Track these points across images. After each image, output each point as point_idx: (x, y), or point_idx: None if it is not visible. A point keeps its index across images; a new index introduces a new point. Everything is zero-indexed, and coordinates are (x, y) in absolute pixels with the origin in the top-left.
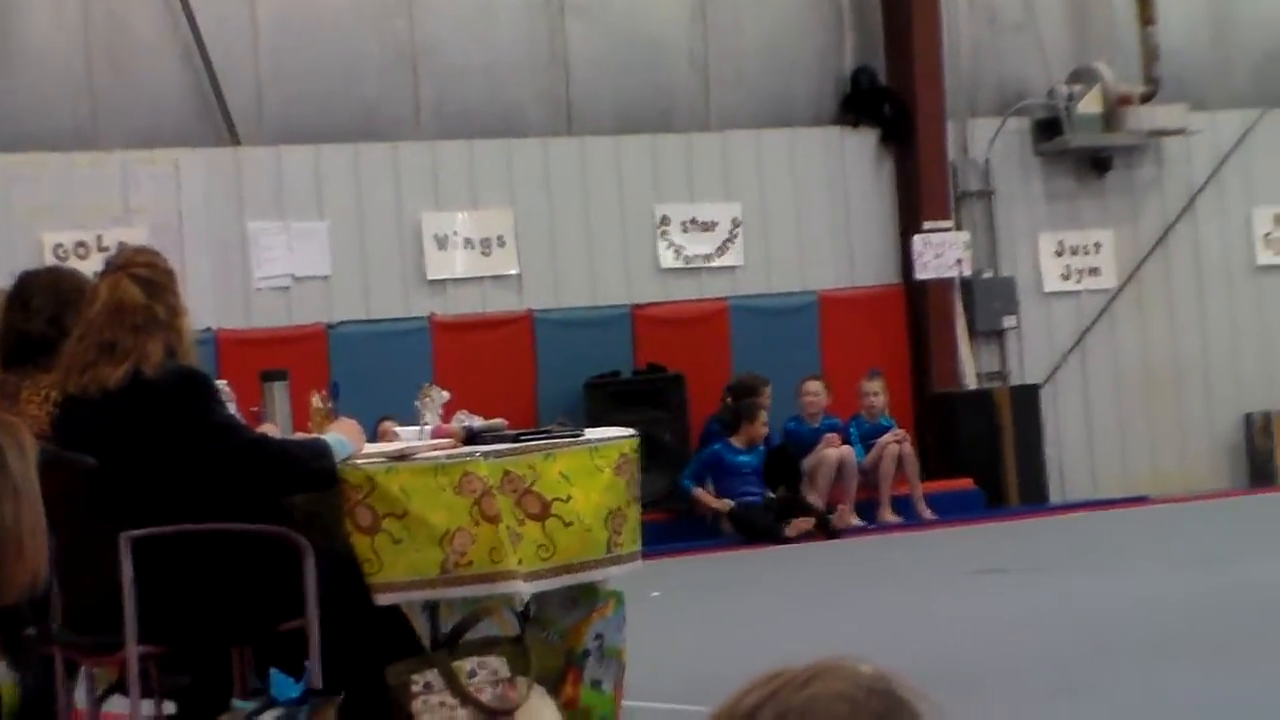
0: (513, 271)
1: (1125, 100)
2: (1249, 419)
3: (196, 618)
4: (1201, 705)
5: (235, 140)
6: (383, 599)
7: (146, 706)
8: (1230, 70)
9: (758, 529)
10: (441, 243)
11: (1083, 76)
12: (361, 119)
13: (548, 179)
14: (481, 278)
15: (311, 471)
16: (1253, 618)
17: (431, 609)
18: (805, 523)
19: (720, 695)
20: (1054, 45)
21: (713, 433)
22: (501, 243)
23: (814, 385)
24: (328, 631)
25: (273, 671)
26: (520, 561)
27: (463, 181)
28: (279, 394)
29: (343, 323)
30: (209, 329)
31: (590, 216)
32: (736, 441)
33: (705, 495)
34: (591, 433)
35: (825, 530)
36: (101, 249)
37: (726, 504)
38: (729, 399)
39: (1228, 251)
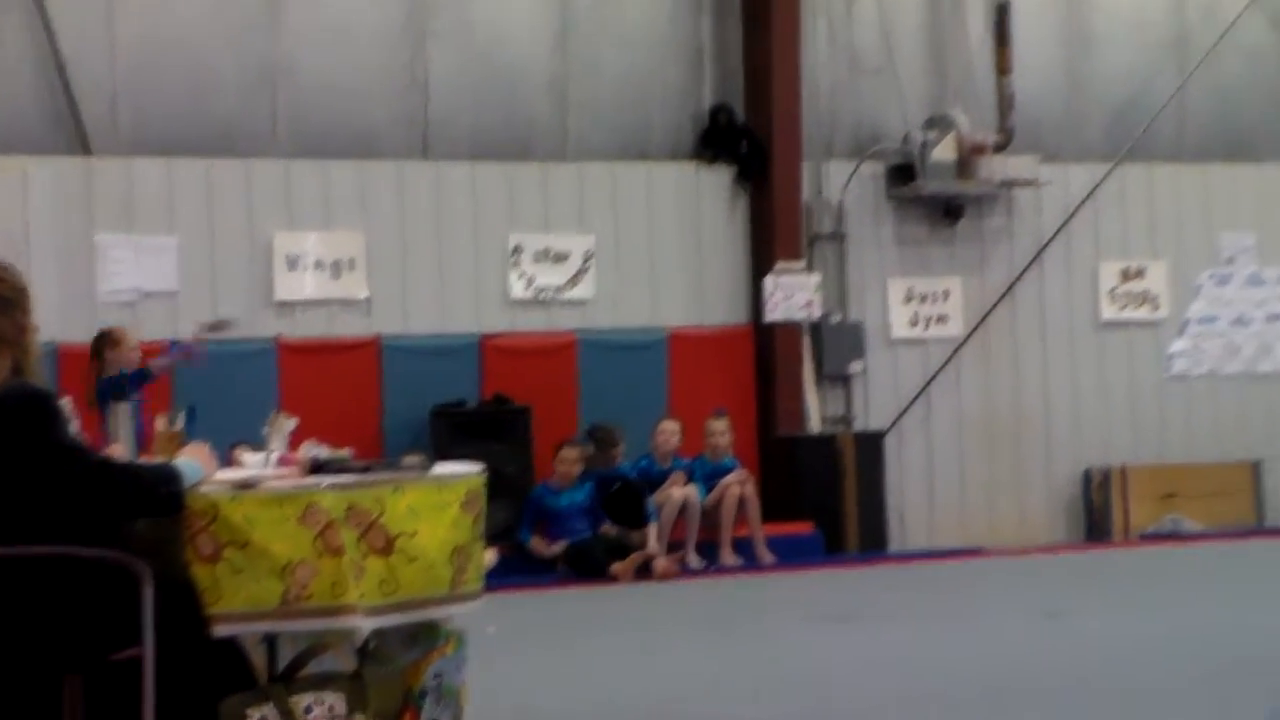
0: (362, 296)
1: (979, 149)
2: (1087, 474)
3: (29, 643)
4: None
5: (87, 150)
6: (221, 630)
7: None
8: (1083, 124)
9: (589, 567)
10: (292, 263)
11: (938, 123)
12: (217, 134)
13: (402, 203)
14: (330, 301)
15: (159, 497)
16: (1085, 672)
17: (270, 641)
18: (630, 564)
19: None
20: (911, 91)
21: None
22: (352, 266)
23: (670, 425)
24: (163, 661)
25: None
26: (362, 596)
27: (316, 202)
28: (123, 415)
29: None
30: (52, 342)
31: (443, 243)
32: (553, 484)
33: (539, 544)
34: (440, 467)
35: (647, 574)
36: None
37: (558, 548)
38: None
39: (1073, 305)
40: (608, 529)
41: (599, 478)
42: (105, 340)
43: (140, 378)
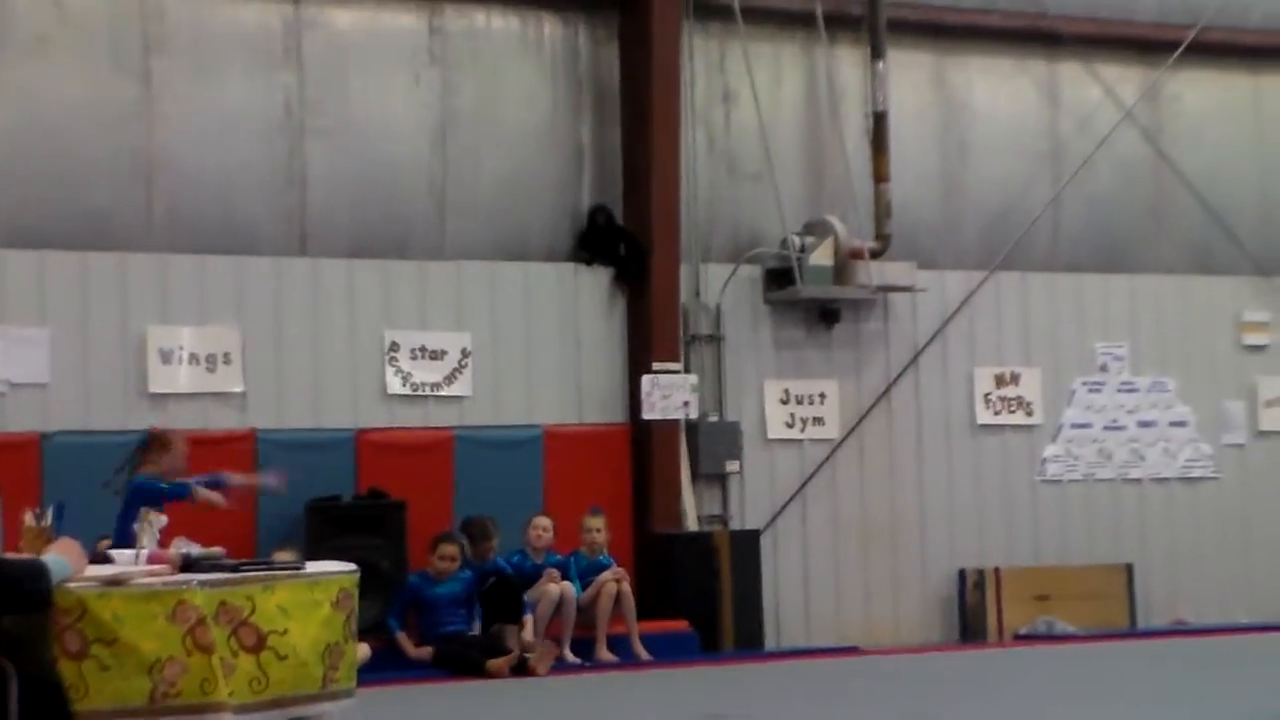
0: (237, 390)
1: (856, 254)
2: (962, 575)
3: None
4: None
5: None
6: None
7: None
8: (959, 231)
9: (461, 665)
10: (166, 357)
11: (816, 228)
12: (90, 227)
13: (278, 298)
14: (204, 394)
15: (26, 592)
16: None
17: None
18: (506, 661)
19: None
20: (789, 196)
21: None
22: (227, 360)
23: (543, 520)
24: None
25: None
26: (231, 694)
27: (191, 296)
28: None
29: (59, 433)
30: None
31: (319, 338)
32: (431, 574)
33: (406, 642)
34: (312, 565)
35: (522, 671)
36: None
37: (426, 652)
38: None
39: (948, 409)
40: (491, 629)
41: (475, 571)
42: (158, 441)
43: (177, 494)
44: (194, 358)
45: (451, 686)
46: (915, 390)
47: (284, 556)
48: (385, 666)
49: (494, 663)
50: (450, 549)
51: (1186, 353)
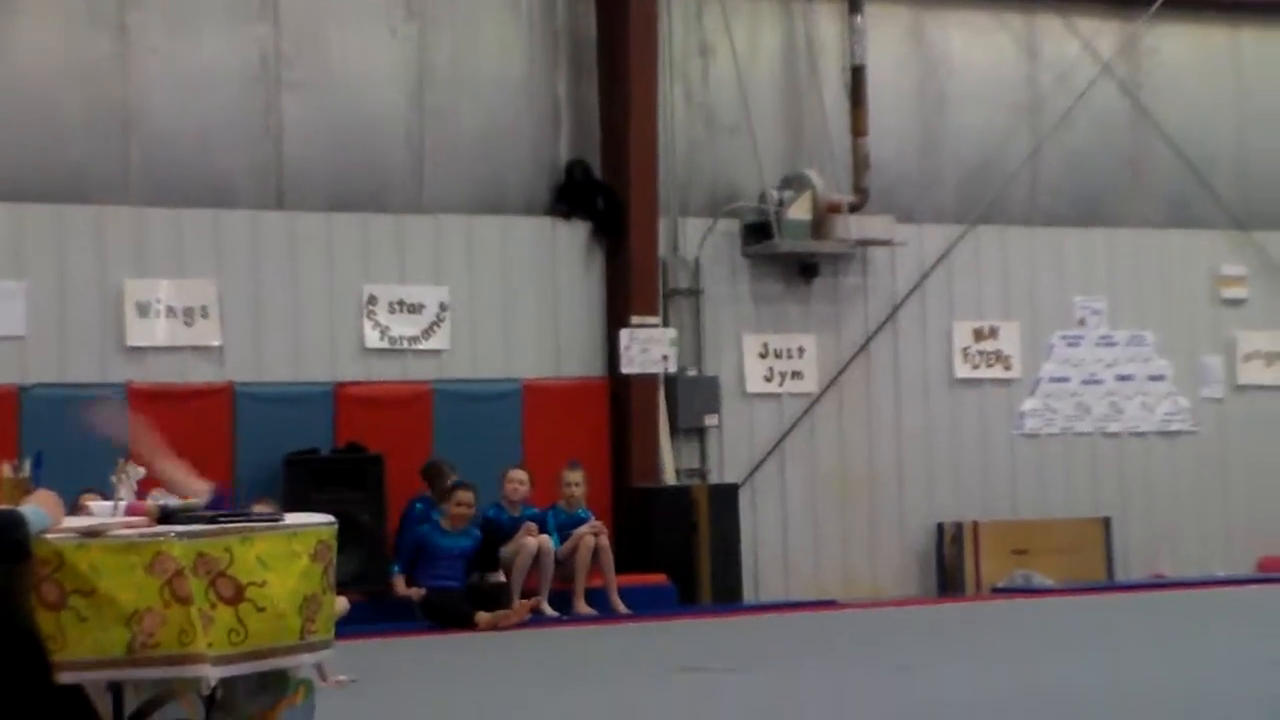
0: (215, 343)
1: (834, 208)
2: (940, 528)
3: None
4: None
5: None
6: (65, 677)
7: None
8: (937, 185)
9: (449, 616)
10: (143, 310)
11: (794, 183)
12: (67, 180)
13: (255, 252)
14: (182, 348)
15: (3, 543)
16: None
17: (115, 690)
18: (495, 617)
19: None
20: (767, 150)
21: (415, 514)
22: (205, 313)
23: (519, 474)
24: (5, 710)
25: None
26: (210, 645)
27: (169, 250)
28: None
29: (36, 385)
30: None
31: (297, 292)
32: (444, 524)
33: (399, 583)
34: (291, 517)
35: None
36: None
37: (418, 592)
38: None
39: (927, 363)
40: (475, 579)
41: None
42: None
43: None
44: (171, 311)
45: (436, 638)
46: (894, 344)
47: (263, 509)
48: (373, 618)
49: (482, 615)
50: (467, 495)
51: (1164, 307)
